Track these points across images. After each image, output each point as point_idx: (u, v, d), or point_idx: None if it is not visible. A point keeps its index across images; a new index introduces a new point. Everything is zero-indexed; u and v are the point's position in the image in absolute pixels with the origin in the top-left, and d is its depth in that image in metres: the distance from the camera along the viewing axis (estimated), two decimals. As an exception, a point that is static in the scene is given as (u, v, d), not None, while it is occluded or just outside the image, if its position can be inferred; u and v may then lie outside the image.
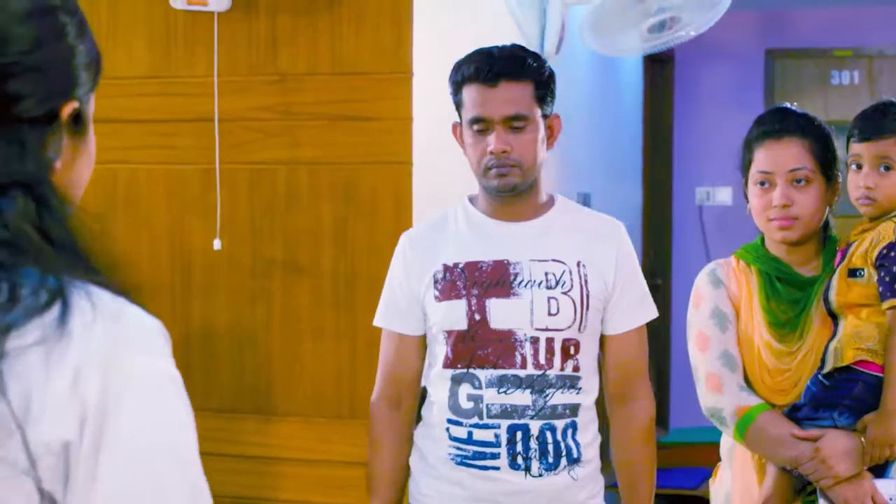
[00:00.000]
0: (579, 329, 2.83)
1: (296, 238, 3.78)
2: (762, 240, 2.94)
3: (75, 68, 1.31)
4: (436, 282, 2.87)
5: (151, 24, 3.85)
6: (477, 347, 2.81)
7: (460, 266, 2.85)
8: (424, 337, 2.94)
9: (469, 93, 2.83)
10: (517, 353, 2.80)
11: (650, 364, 2.97)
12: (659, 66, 7.85)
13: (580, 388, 2.84)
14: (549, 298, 2.81)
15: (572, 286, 2.83)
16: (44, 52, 1.26)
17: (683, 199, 8.05)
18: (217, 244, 3.76)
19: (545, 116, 2.86)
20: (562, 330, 2.81)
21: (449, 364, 2.84)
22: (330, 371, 3.76)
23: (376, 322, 2.99)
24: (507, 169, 2.80)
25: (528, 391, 2.79)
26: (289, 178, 3.77)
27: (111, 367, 1.17)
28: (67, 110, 1.29)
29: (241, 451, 3.74)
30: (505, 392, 2.79)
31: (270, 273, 3.79)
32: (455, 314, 2.83)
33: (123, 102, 3.82)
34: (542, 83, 2.85)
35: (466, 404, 2.82)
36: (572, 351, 2.82)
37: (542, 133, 2.85)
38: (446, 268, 2.86)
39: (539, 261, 2.84)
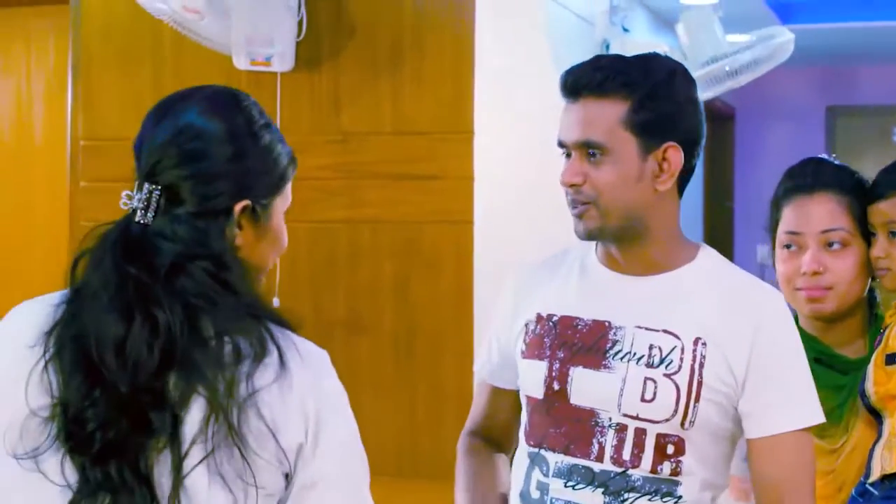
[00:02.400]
0: (683, 424, 2.13)
1: (356, 296, 3.78)
2: (795, 318, 2.41)
3: (250, 178, 1.75)
4: (526, 332, 2.27)
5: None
6: (550, 424, 2.20)
7: (554, 319, 2.23)
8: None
9: (563, 108, 2.21)
10: (594, 441, 2.16)
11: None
12: (720, 123, 7.84)
13: (680, 498, 2.14)
14: (646, 379, 2.13)
15: (680, 368, 2.13)
16: (230, 166, 1.73)
17: (745, 258, 8.00)
18: (275, 302, 3.78)
19: (651, 148, 2.16)
20: (657, 422, 2.13)
21: (527, 437, 2.25)
22: (391, 429, 3.74)
23: (475, 368, 2.46)
24: (581, 207, 2.15)
25: (599, 490, 2.14)
26: (350, 237, 3.79)
27: (317, 389, 1.71)
28: (238, 207, 1.74)
29: (302, 509, 3.73)
30: (572, 487, 2.17)
31: (331, 331, 3.79)
32: (533, 378, 2.23)
33: (187, 161, 3.86)
34: (646, 102, 2.14)
35: (534, 493, 2.22)
36: (671, 450, 2.14)
37: (636, 168, 2.14)
38: (539, 318, 2.25)
39: (647, 329, 2.16)
